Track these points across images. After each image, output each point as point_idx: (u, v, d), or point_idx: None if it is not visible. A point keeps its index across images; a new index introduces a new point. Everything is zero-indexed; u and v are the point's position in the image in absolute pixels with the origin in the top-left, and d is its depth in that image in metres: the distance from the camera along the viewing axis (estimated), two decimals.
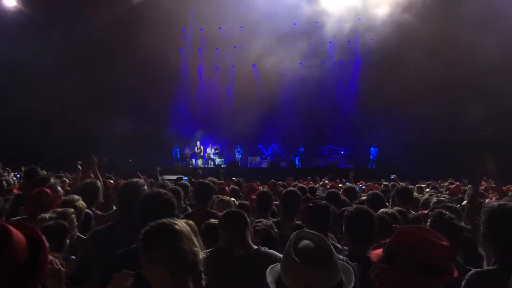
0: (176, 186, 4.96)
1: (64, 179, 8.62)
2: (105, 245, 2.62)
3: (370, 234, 2.87)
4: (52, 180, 4.74)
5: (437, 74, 17.67)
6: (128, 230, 2.69)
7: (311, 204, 3.69)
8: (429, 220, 2.88)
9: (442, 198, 5.02)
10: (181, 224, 1.90)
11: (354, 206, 3.31)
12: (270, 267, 1.76)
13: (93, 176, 5.80)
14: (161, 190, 2.67)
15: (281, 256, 1.76)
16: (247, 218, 2.84)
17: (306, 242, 1.61)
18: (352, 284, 1.62)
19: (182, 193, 4.57)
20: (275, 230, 3.27)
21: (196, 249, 1.86)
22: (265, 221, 3.40)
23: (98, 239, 2.86)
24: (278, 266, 1.69)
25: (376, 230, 2.91)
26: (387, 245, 1.79)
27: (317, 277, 1.51)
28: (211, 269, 1.91)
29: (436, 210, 2.99)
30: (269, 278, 1.66)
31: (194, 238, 1.88)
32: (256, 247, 2.68)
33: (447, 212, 2.96)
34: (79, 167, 6.03)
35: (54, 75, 18.04)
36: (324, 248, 1.59)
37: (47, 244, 1.52)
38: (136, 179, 3.34)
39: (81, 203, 3.64)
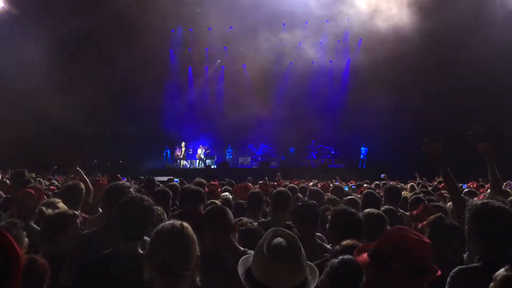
0: (165, 188, 4.95)
1: (53, 181, 8.58)
2: (92, 249, 2.59)
3: (354, 234, 2.89)
4: (33, 181, 4.71)
5: (429, 72, 17.81)
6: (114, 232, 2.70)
7: (299, 203, 3.71)
8: (430, 224, 2.91)
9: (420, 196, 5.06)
10: (187, 228, 1.96)
11: (338, 206, 3.34)
12: (242, 258, 1.86)
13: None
14: (141, 196, 2.65)
15: None
16: (230, 215, 2.83)
17: (280, 239, 1.73)
18: (316, 282, 1.74)
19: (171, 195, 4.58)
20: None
21: (193, 256, 1.93)
22: (245, 219, 3.42)
23: (84, 244, 2.85)
24: (250, 257, 1.81)
25: (361, 230, 2.91)
26: (372, 248, 1.82)
27: (283, 272, 1.63)
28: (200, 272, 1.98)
29: (437, 215, 3.02)
30: (241, 269, 1.77)
31: (194, 245, 1.95)
32: (242, 249, 2.68)
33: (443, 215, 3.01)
34: (74, 170, 5.76)
35: (41, 73, 17.83)
36: (294, 247, 1.72)
37: (19, 252, 1.29)
38: (121, 182, 3.35)
39: (61, 205, 3.61)
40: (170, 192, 4.59)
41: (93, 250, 2.57)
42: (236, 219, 3.33)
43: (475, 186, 9.54)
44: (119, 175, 5.20)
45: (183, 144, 21.96)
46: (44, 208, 3.04)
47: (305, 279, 1.70)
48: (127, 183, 3.34)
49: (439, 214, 3.08)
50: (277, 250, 1.66)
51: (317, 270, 1.80)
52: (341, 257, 2.09)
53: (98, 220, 3.60)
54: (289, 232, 1.79)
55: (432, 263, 1.77)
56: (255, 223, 3.60)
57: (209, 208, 2.92)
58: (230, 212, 2.87)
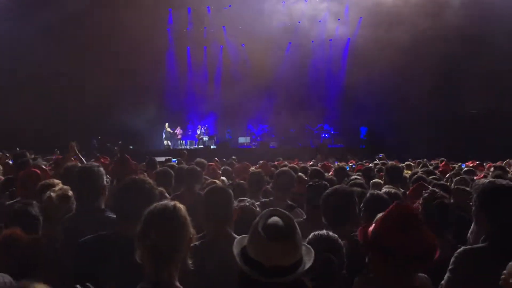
0: (167, 168, 4.93)
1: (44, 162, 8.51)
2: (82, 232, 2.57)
3: (348, 213, 2.90)
4: (31, 162, 4.68)
5: (429, 52, 17.64)
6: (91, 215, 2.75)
7: (311, 183, 3.69)
8: (421, 199, 2.90)
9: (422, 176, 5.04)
10: (179, 210, 1.93)
11: (333, 187, 3.30)
12: (238, 238, 1.84)
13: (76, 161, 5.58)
14: (141, 177, 2.62)
15: None
16: (232, 204, 2.77)
17: (276, 219, 1.72)
18: (311, 263, 1.74)
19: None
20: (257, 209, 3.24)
21: (186, 241, 1.91)
22: (247, 199, 3.38)
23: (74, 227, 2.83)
24: (245, 237, 1.78)
25: (355, 209, 2.95)
26: (368, 235, 1.83)
27: (277, 251, 1.63)
28: (197, 261, 1.98)
29: (429, 190, 3.00)
30: (236, 249, 1.76)
31: (187, 229, 1.93)
32: (238, 237, 2.64)
33: (439, 191, 2.97)
34: (71, 148, 5.55)
35: (38, 56, 17.63)
36: (290, 227, 1.70)
37: None
38: (90, 164, 3.30)
39: (61, 187, 3.58)
40: (172, 172, 4.58)
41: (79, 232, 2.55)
42: (238, 200, 3.32)
43: (475, 165, 9.55)
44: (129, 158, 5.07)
45: (166, 125, 21.74)
46: (52, 194, 3.00)
47: (301, 259, 1.71)
48: (96, 164, 3.28)
49: (432, 189, 3.07)
50: (272, 229, 1.67)
51: (312, 251, 1.80)
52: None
53: None
54: (285, 212, 1.77)
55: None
56: (258, 203, 3.55)
57: (211, 195, 2.79)
58: (233, 199, 2.80)
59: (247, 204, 3.19)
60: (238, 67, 22.74)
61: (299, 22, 21.90)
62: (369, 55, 18.92)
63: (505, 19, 15.85)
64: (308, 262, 1.73)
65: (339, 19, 21.87)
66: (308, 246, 1.84)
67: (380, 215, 1.90)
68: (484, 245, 2.33)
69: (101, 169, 3.12)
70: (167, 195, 3.29)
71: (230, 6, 21.60)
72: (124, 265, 2.11)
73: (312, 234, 2.33)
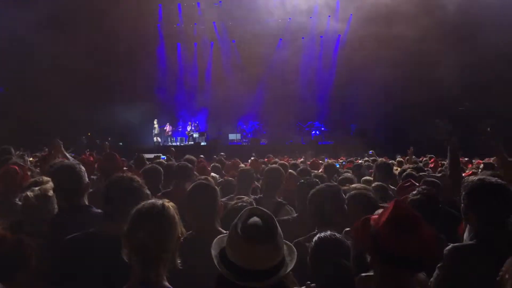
0: (156, 165, 4.89)
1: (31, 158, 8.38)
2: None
3: (333, 212, 2.86)
4: (14, 158, 4.59)
5: (419, 49, 17.73)
6: (75, 214, 2.72)
7: (302, 181, 3.68)
8: (409, 198, 2.90)
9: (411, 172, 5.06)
10: (168, 208, 1.90)
11: (321, 185, 3.27)
12: (217, 238, 1.77)
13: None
14: (128, 175, 2.58)
15: None
16: (218, 198, 2.75)
17: (255, 219, 1.64)
18: (293, 263, 1.66)
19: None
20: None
21: (174, 239, 1.88)
22: (245, 197, 3.37)
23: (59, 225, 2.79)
24: (225, 237, 1.72)
25: (341, 208, 2.91)
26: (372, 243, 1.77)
27: (257, 253, 1.55)
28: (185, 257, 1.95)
29: (418, 188, 3.00)
30: (214, 250, 1.69)
31: (175, 227, 1.90)
32: (225, 231, 2.62)
33: (426, 188, 2.99)
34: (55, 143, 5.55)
35: (24, 52, 17.39)
36: (270, 227, 1.63)
37: None
38: (68, 161, 3.27)
39: (51, 184, 3.53)
40: (161, 169, 4.54)
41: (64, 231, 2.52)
42: (236, 197, 3.29)
43: (463, 161, 9.64)
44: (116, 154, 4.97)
45: (155, 121, 21.56)
46: (29, 194, 2.94)
47: (283, 260, 1.63)
48: (74, 161, 3.27)
49: (420, 187, 3.08)
50: (251, 230, 1.58)
51: (295, 251, 1.72)
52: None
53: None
54: (265, 210, 1.69)
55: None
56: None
57: (195, 191, 2.77)
58: (218, 194, 2.78)
59: (242, 203, 3.14)
60: (229, 63, 22.68)
61: (289, 18, 21.87)
62: (360, 51, 18.96)
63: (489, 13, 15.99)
64: (290, 264, 1.65)
65: (329, 16, 21.89)
66: (290, 245, 1.76)
67: (378, 215, 1.84)
68: (473, 242, 2.34)
69: (81, 166, 3.09)
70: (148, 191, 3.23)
71: (220, 2, 21.51)
72: (110, 264, 2.09)
73: (317, 237, 2.23)
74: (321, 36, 22.67)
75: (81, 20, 18.26)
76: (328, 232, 2.24)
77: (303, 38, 22.47)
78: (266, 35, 21.39)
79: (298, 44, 22.21)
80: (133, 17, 18.15)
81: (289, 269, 1.64)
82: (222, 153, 10.51)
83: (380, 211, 1.95)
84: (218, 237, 1.77)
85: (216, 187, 2.81)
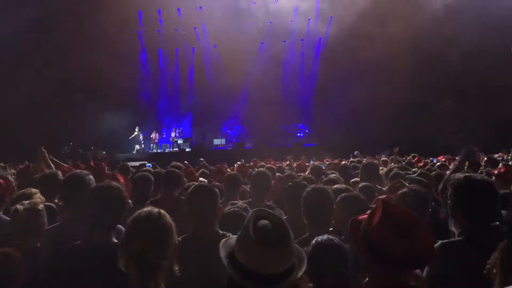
0: (146, 173, 4.87)
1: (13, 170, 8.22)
2: (61, 242, 2.52)
3: (329, 212, 2.91)
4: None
5: (399, 50, 17.99)
6: (80, 226, 2.60)
7: (290, 184, 3.71)
8: (400, 196, 2.94)
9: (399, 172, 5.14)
10: (164, 216, 1.90)
11: (312, 186, 3.30)
12: (223, 240, 1.75)
13: (46, 168, 5.18)
14: (112, 183, 2.57)
15: None
16: (217, 196, 2.75)
17: (264, 222, 1.61)
18: (303, 269, 1.63)
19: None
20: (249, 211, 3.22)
21: (170, 246, 1.88)
22: (240, 202, 3.37)
23: (52, 237, 2.80)
24: (231, 240, 1.70)
25: (332, 209, 2.93)
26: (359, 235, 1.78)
27: (272, 257, 1.53)
28: (182, 258, 1.93)
29: (408, 187, 3.05)
30: (223, 252, 1.66)
31: (171, 234, 1.90)
32: (222, 232, 2.62)
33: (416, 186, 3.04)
34: (41, 152, 5.32)
35: (6, 59, 17.07)
36: (282, 229, 1.60)
37: None
38: (79, 171, 3.24)
39: (39, 196, 3.47)
40: (152, 177, 4.53)
41: (62, 242, 2.49)
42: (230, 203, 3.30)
43: (445, 160, 9.79)
44: (102, 163, 4.87)
45: (136, 128, 21.32)
46: (19, 207, 2.89)
47: (293, 264, 1.61)
48: (85, 172, 3.21)
49: (407, 188, 3.13)
50: (264, 234, 1.55)
51: (304, 255, 1.70)
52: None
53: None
54: (272, 212, 1.68)
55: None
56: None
57: (196, 193, 2.76)
58: (218, 197, 2.77)
59: (236, 208, 3.14)
60: (211, 68, 22.66)
61: (270, 22, 21.97)
62: (341, 53, 19.17)
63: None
64: (299, 268, 1.62)
65: (309, 19, 22.07)
66: (300, 249, 1.74)
67: (366, 215, 1.83)
68: (460, 239, 2.39)
69: (91, 177, 3.07)
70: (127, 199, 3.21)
71: (201, 7, 21.49)
72: (103, 273, 2.07)
73: (314, 241, 2.21)
74: (302, 40, 22.84)
75: (61, 27, 18.02)
76: (326, 237, 2.21)
77: (284, 41, 22.60)
78: (247, 39, 21.45)
79: (279, 48, 22.31)
80: (113, 24, 17.97)
81: (300, 273, 1.61)
82: (201, 159, 10.41)
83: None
84: (225, 239, 1.74)
85: (216, 189, 2.78)
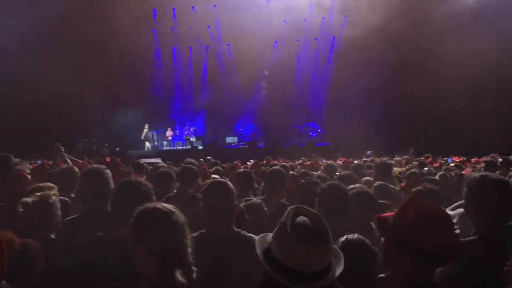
0: (169, 169, 4.94)
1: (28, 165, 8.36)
2: (78, 234, 2.56)
3: (345, 209, 2.88)
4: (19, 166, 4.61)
5: (412, 51, 17.84)
6: (98, 218, 2.65)
7: (303, 181, 3.72)
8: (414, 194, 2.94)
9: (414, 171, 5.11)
10: (178, 213, 1.90)
11: (328, 182, 3.28)
12: (259, 237, 1.75)
13: (62, 164, 5.29)
14: (136, 179, 2.60)
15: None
16: (234, 193, 2.73)
17: (303, 218, 1.61)
18: (341, 269, 1.61)
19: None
20: (265, 208, 3.25)
21: (186, 241, 1.87)
22: (254, 199, 3.39)
23: (69, 229, 2.84)
24: (267, 237, 1.69)
25: (349, 205, 2.92)
26: (392, 225, 1.74)
27: (311, 254, 1.51)
28: (198, 256, 1.93)
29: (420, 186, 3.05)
30: (259, 249, 1.65)
31: (186, 230, 1.89)
32: (236, 229, 2.62)
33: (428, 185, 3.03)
34: (57, 148, 5.47)
35: (21, 59, 17.31)
36: (321, 226, 1.59)
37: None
38: (97, 165, 3.28)
39: (55, 192, 3.52)
40: (174, 174, 4.59)
41: (81, 234, 2.54)
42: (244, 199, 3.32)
43: (461, 160, 9.70)
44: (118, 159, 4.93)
45: (146, 126, 21.42)
46: (28, 200, 2.92)
47: (330, 263, 1.59)
48: (103, 166, 3.24)
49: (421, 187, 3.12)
50: (303, 230, 1.55)
51: (341, 254, 1.67)
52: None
53: None
54: (311, 210, 1.66)
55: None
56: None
57: (212, 189, 2.73)
58: (235, 194, 2.75)
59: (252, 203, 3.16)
60: (224, 67, 22.72)
61: (284, 21, 21.94)
62: (355, 53, 19.05)
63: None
64: (337, 266, 1.60)
65: (323, 18, 21.98)
66: (336, 248, 1.73)
67: (394, 212, 1.80)
68: (475, 238, 2.38)
69: (109, 171, 3.10)
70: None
71: (215, 6, 21.55)
72: (120, 267, 2.11)
73: (344, 238, 2.19)
74: (315, 39, 22.75)
75: (76, 25, 18.23)
76: (356, 236, 2.20)
77: (297, 40, 22.54)
78: (261, 38, 21.44)
79: (293, 46, 22.26)
80: (128, 22, 18.14)
81: (338, 272, 1.59)
82: (208, 157, 10.38)
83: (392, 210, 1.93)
84: (261, 236, 1.74)
85: (232, 186, 2.77)
